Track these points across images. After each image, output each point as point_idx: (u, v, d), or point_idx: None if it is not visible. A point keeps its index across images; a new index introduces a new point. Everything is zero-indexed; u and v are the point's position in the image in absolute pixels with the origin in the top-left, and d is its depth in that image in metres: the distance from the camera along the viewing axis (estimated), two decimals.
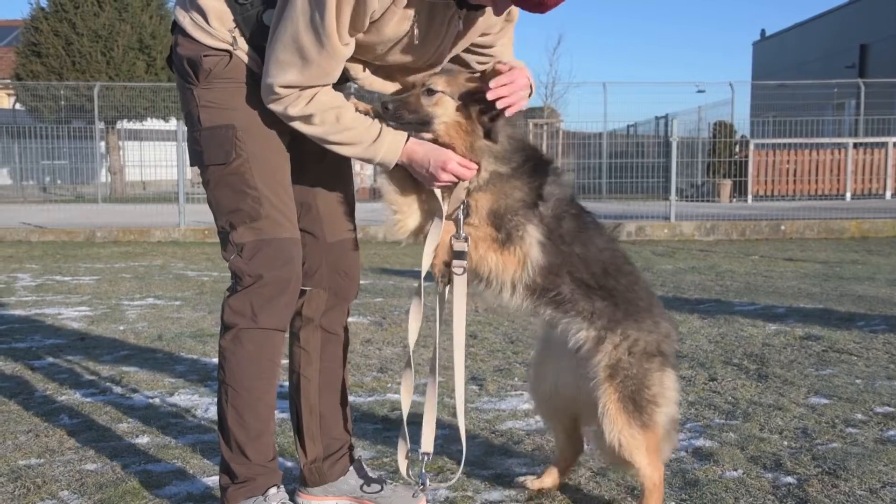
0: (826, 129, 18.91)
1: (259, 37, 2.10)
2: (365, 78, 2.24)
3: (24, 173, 18.09)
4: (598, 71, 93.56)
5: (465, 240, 2.22)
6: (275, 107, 2.09)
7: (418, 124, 2.20)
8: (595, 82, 19.31)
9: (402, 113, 2.20)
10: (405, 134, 2.17)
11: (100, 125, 17.69)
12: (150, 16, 24.00)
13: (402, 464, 2.37)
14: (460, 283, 2.25)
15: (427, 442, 2.35)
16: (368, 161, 2.18)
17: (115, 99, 20.68)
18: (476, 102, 2.18)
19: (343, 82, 2.30)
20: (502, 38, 2.33)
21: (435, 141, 2.20)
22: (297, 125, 2.11)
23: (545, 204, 2.23)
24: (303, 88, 2.05)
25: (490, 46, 2.32)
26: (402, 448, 2.37)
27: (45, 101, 21.37)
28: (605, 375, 2.28)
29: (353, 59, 2.16)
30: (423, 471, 2.36)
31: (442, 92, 2.19)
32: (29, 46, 23.05)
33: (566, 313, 2.29)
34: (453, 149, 2.18)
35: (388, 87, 2.30)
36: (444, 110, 2.19)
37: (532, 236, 2.21)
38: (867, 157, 16.04)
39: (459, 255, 2.23)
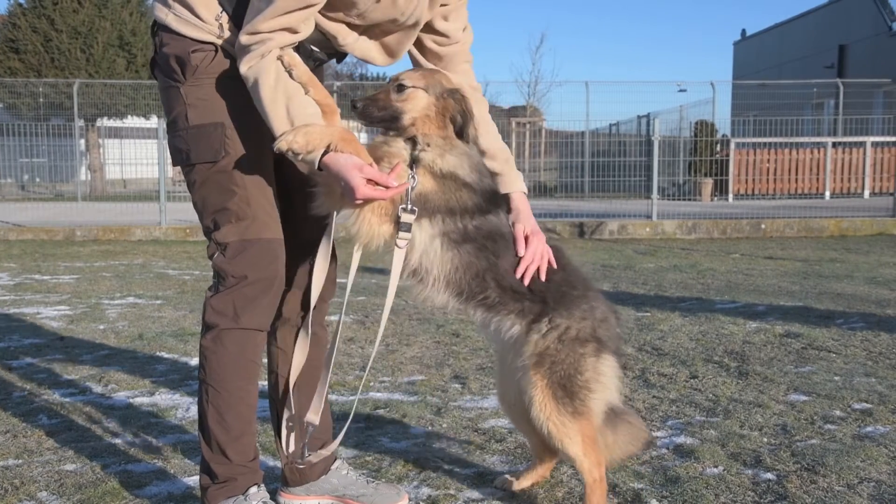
0: (805, 129, 19.10)
1: (244, 15, 2.07)
2: (352, 44, 2.21)
3: (2, 171, 17.86)
4: (581, 70, 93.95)
5: (412, 211, 2.12)
6: (241, 56, 2.03)
7: (387, 121, 2.16)
8: (578, 81, 19.33)
9: (372, 110, 2.16)
10: (327, 145, 2.04)
11: (79, 123, 17.51)
12: (130, 12, 23.81)
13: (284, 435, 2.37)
14: (398, 255, 2.17)
15: (314, 410, 2.30)
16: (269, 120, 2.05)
17: (94, 96, 20.49)
18: (453, 100, 2.16)
19: (330, 57, 2.28)
20: (457, 21, 2.33)
21: (403, 131, 2.16)
22: (250, 83, 2.04)
23: (480, 219, 2.18)
24: (266, 35, 1.99)
25: (447, 36, 2.33)
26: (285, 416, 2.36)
27: (24, 98, 21.13)
28: (532, 363, 2.23)
29: (339, 21, 2.14)
30: (306, 441, 2.32)
31: (413, 87, 2.16)
32: (6, 43, 22.80)
33: (497, 314, 2.26)
34: (426, 138, 2.15)
35: (374, 53, 2.27)
36: (415, 105, 2.15)
37: (426, 231, 2.15)
38: (846, 157, 16.22)
39: (405, 226, 2.13)
